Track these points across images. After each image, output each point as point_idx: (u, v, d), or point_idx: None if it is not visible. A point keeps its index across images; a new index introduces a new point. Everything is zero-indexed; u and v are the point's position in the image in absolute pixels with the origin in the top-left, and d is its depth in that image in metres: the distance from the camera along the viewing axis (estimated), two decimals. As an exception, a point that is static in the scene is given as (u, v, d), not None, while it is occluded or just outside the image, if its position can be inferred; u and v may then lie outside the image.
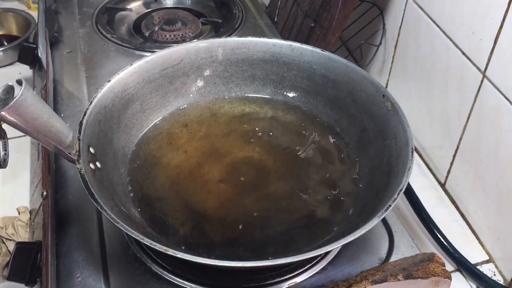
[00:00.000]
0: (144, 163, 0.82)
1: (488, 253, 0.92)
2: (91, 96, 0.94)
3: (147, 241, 0.60)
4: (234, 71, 0.93)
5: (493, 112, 0.85)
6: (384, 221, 0.81)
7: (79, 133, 0.70)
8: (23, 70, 1.28)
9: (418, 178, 1.05)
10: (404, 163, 0.70)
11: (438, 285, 0.70)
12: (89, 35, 1.21)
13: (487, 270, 0.89)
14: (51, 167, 0.86)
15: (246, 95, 0.95)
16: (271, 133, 0.88)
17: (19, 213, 0.96)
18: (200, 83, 0.93)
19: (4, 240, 0.93)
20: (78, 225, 0.79)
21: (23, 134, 0.66)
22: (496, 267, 0.90)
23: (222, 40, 0.93)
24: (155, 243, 0.60)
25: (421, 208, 0.91)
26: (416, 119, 1.06)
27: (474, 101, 0.90)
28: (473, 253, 0.91)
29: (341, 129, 0.88)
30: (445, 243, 0.89)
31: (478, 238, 0.94)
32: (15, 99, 0.59)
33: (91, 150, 0.72)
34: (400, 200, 0.94)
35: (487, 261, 0.91)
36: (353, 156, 0.84)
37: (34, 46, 1.16)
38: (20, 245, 0.77)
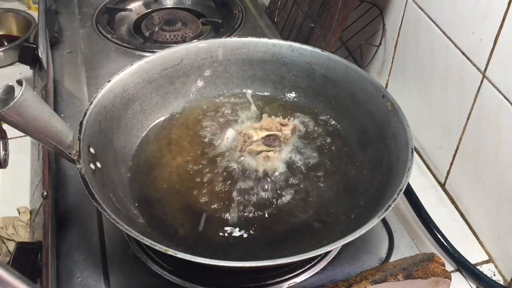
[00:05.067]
0: (144, 163, 0.82)
1: (488, 253, 0.92)
2: (91, 96, 0.94)
3: (147, 241, 0.60)
4: (234, 71, 0.93)
5: (493, 112, 0.85)
6: (384, 221, 0.81)
7: (79, 133, 0.71)
8: (24, 70, 1.28)
9: (418, 178, 1.05)
10: (404, 163, 0.70)
11: (438, 285, 0.70)
12: (89, 35, 1.21)
13: (487, 270, 0.89)
14: (52, 167, 0.86)
15: (246, 95, 0.95)
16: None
17: (19, 213, 0.96)
18: (200, 83, 0.93)
19: (4, 240, 0.93)
20: (78, 225, 0.79)
21: (23, 134, 0.66)
22: (496, 267, 0.90)
23: (222, 40, 0.93)
24: (155, 243, 0.60)
25: (421, 208, 0.91)
26: (416, 119, 1.06)
27: (474, 101, 0.90)
28: (473, 253, 0.91)
29: (341, 129, 0.88)
30: (445, 243, 0.89)
31: (478, 238, 0.94)
32: (15, 99, 0.59)
33: (91, 150, 0.72)
34: (400, 200, 0.94)
35: (487, 261, 0.91)
36: (353, 156, 0.84)
37: (35, 46, 1.16)
38: (20, 245, 0.77)
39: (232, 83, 0.94)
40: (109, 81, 0.80)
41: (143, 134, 0.86)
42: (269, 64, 0.92)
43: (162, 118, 0.89)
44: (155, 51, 0.95)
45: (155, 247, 0.60)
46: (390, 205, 0.64)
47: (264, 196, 0.77)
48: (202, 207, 0.76)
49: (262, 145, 0.83)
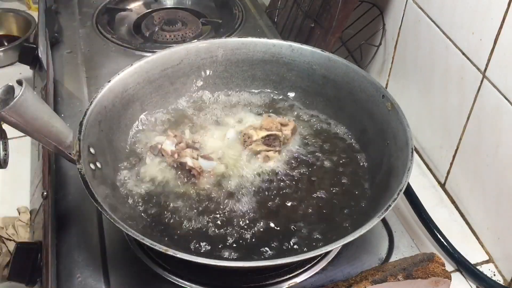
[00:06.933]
0: (144, 163, 0.82)
1: (488, 253, 0.92)
2: (91, 96, 0.94)
3: (147, 241, 0.60)
4: (234, 71, 0.93)
5: (493, 112, 0.85)
6: (384, 221, 0.81)
7: (79, 133, 0.71)
8: (24, 70, 1.28)
9: (418, 178, 1.05)
10: (404, 163, 0.70)
11: (438, 285, 0.70)
12: (89, 36, 1.21)
13: (487, 270, 0.89)
14: (52, 167, 0.86)
15: (246, 95, 0.95)
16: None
17: (19, 213, 0.97)
18: (200, 83, 0.93)
19: (4, 240, 0.93)
20: (78, 225, 0.79)
21: (23, 134, 0.66)
22: (496, 267, 0.90)
23: (222, 40, 0.93)
24: (155, 243, 0.60)
25: (421, 208, 0.91)
26: (416, 119, 1.06)
27: (474, 101, 0.90)
28: (473, 253, 0.91)
29: (341, 129, 0.88)
30: (445, 243, 0.89)
31: (478, 238, 0.94)
32: (15, 100, 0.59)
33: (91, 150, 0.72)
34: (400, 200, 0.94)
35: (487, 261, 0.91)
36: (353, 156, 0.84)
37: (35, 46, 1.16)
38: (20, 245, 0.77)
39: (232, 83, 0.94)
40: (109, 81, 0.80)
41: (143, 134, 0.86)
42: (269, 64, 0.92)
43: (162, 118, 0.89)
44: (155, 51, 0.95)
45: (155, 247, 0.60)
46: (390, 205, 0.64)
47: (263, 196, 0.77)
48: (201, 206, 0.76)
49: (262, 145, 0.83)
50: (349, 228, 0.72)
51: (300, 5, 1.21)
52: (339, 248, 0.77)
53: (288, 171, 0.81)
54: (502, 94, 0.83)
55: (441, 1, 0.94)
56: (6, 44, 1.40)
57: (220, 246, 0.71)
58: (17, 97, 0.59)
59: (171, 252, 0.59)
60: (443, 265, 0.70)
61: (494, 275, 0.89)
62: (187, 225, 0.73)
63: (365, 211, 0.73)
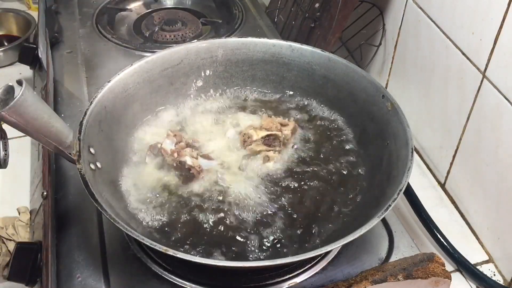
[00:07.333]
0: (144, 163, 0.82)
1: (488, 253, 0.92)
2: (91, 96, 0.94)
3: (147, 241, 0.60)
4: (234, 71, 0.93)
5: (493, 112, 0.85)
6: (384, 221, 0.81)
7: (80, 133, 0.71)
8: (24, 70, 1.28)
9: (418, 178, 1.05)
10: (404, 163, 0.70)
11: (438, 285, 0.70)
12: (90, 36, 1.21)
13: (487, 270, 0.89)
14: (52, 167, 0.86)
15: (246, 95, 0.95)
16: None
17: (19, 213, 0.97)
18: (200, 83, 0.93)
19: (4, 240, 0.93)
20: (78, 225, 0.79)
21: (23, 134, 0.66)
22: (496, 267, 0.90)
23: (222, 40, 0.93)
24: (155, 243, 0.60)
25: (420, 208, 0.91)
26: (416, 119, 1.06)
27: (474, 101, 0.90)
28: (473, 253, 0.91)
29: (341, 129, 0.88)
30: (445, 243, 0.89)
31: (478, 238, 0.94)
32: (15, 100, 0.59)
33: (91, 150, 0.72)
34: (400, 200, 0.94)
35: (487, 261, 0.91)
36: (353, 156, 0.84)
37: (35, 46, 1.16)
38: (20, 245, 0.77)
39: (232, 83, 0.94)
40: (109, 81, 0.80)
41: (143, 134, 0.86)
42: (269, 64, 0.92)
43: (161, 118, 0.89)
44: (155, 51, 0.95)
45: (155, 247, 0.60)
46: (390, 205, 0.64)
47: (263, 196, 0.77)
48: (200, 206, 0.76)
49: (262, 145, 0.83)
50: (349, 228, 0.72)
51: (300, 5, 1.21)
52: (339, 248, 0.77)
53: (288, 171, 0.81)
54: (502, 94, 0.83)
55: (441, 1, 0.94)
56: (6, 44, 1.40)
57: (219, 246, 0.71)
58: (17, 97, 0.59)
59: (171, 252, 0.59)
60: (443, 265, 0.70)
61: (494, 275, 0.89)
62: (186, 225, 0.73)
63: (365, 211, 0.73)
